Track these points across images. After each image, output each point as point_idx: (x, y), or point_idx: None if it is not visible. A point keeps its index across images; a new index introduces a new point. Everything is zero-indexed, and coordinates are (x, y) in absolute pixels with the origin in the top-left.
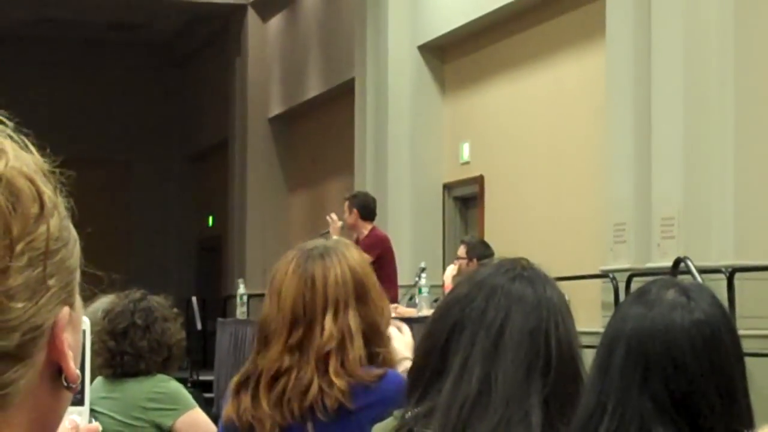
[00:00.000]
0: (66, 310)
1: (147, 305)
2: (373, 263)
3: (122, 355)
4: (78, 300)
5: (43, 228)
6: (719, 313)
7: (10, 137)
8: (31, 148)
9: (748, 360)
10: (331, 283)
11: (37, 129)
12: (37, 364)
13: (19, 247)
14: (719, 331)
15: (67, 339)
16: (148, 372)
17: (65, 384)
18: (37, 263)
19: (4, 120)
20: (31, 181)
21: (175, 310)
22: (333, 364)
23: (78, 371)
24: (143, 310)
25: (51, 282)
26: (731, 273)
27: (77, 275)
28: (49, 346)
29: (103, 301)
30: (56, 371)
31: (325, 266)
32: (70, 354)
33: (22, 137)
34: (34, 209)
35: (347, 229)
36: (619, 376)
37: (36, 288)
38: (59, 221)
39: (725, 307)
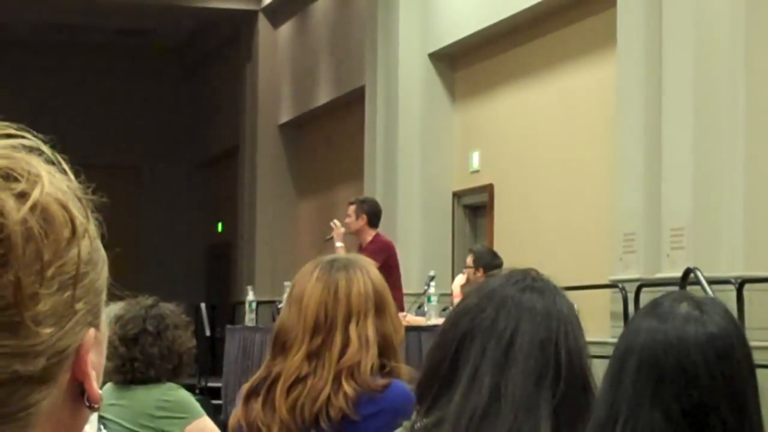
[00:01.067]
0: (92, 331)
1: (159, 312)
2: (378, 269)
3: (132, 362)
4: (103, 319)
5: (74, 252)
6: (732, 327)
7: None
8: (67, 169)
9: (757, 372)
10: (354, 294)
11: (47, 134)
12: (61, 385)
13: (49, 272)
14: (732, 345)
15: (92, 360)
16: (157, 379)
17: (87, 404)
18: (66, 288)
19: (40, 144)
20: (64, 207)
21: (187, 318)
22: (345, 372)
23: (100, 391)
24: (155, 317)
25: (79, 306)
26: (741, 284)
27: (104, 296)
28: (73, 367)
29: (113, 308)
30: (79, 391)
31: (349, 277)
32: (93, 374)
33: (58, 157)
34: (66, 234)
35: (350, 234)
36: (631, 389)
37: (64, 312)
38: (89, 244)
39: (738, 322)
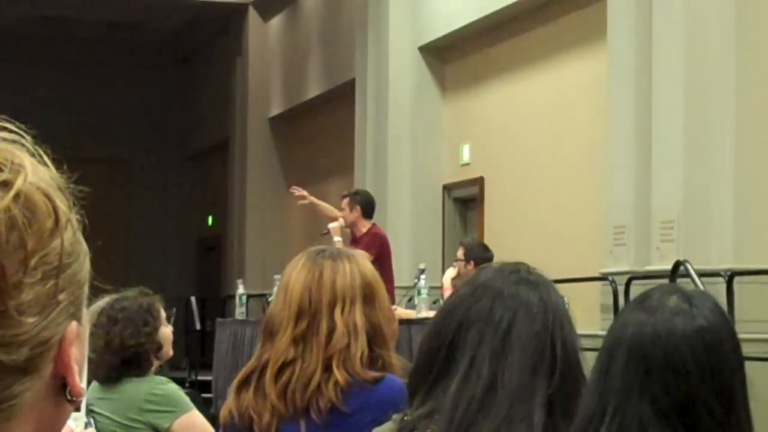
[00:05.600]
0: (74, 324)
1: (118, 306)
2: (372, 262)
3: (88, 358)
4: (84, 313)
5: (57, 242)
6: (721, 320)
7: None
8: (48, 162)
9: (747, 364)
10: (339, 280)
11: (38, 127)
12: (44, 378)
13: (33, 262)
14: (721, 338)
15: (74, 353)
16: (108, 376)
17: (69, 398)
18: (49, 278)
19: (23, 133)
20: (47, 197)
21: (161, 305)
22: (336, 359)
23: (82, 386)
24: (110, 310)
25: (61, 296)
26: (730, 277)
27: (86, 289)
28: (55, 360)
29: (99, 304)
30: (61, 384)
31: (335, 264)
32: (75, 368)
33: (39, 150)
34: (49, 224)
35: (345, 226)
36: (620, 381)
37: (47, 302)
38: (72, 235)
39: (727, 315)
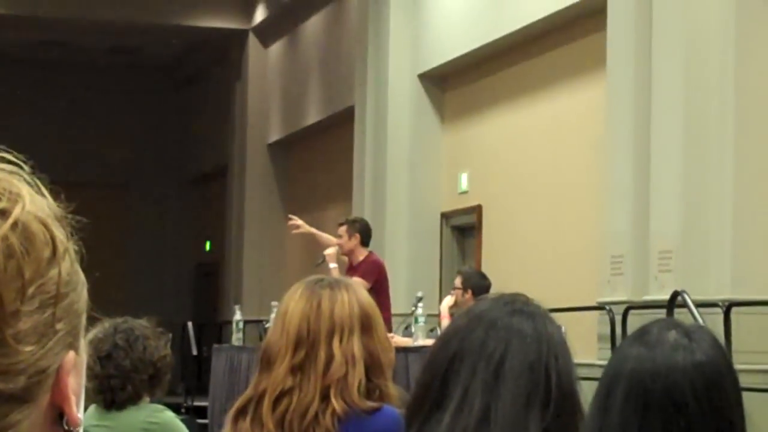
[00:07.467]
0: (71, 354)
1: (128, 326)
2: (369, 290)
3: (109, 379)
4: (82, 343)
5: (54, 272)
6: (720, 355)
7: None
8: (45, 192)
9: (744, 395)
10: (338, 310)
11: (36, 151)
12: (41, 407)
13: (30, 290)
14: (720, 373)
15: (71, 383)
16: (137, 396)
17: (66, 427)
18: (47, 307)
19: (21, 164)
20: (45, 226)
21: (160, 329)
22: (333, 388)
23: (80, 416)
24: (124, 332)
25: (59, 326)
26: (728, 307)
27: (83, 319)
28: (53, 390)
29: (95, 332)
30: (58, 414)
31: (333, 294)
32: (73, 399)
33: (36, 181)
34: (47, 253)
35: (341, 254)
36: (619, 416)
37: (44, 332)
38: (70, 265)
39: (725, 350)
